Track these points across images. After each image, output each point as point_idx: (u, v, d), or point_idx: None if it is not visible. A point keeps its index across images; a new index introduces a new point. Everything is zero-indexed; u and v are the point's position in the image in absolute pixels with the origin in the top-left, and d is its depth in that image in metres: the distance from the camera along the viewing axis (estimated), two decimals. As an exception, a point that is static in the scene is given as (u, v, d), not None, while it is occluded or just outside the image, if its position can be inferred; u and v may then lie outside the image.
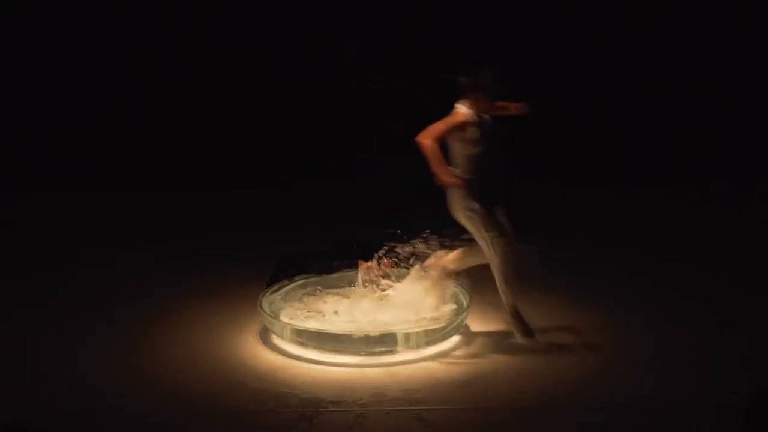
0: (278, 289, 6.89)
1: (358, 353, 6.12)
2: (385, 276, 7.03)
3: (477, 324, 6.69)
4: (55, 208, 9.84)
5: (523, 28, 11.11)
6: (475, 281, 6.72)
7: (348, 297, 6.78)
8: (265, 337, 6.50)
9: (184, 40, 10.99)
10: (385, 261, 7.00)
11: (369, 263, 7.08)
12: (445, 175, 5.92)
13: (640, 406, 5.44)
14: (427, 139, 5.90)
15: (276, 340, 6.40)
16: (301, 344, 6.23)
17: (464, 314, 6.49)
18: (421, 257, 6.65)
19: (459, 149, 6.11)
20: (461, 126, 6.05)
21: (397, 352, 6.15)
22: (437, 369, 6.01)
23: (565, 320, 6.77)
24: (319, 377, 5.89)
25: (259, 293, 6.74)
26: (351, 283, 6.97)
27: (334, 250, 7.29)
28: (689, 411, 5.36)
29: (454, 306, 6.52)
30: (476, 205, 6.10)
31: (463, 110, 6.10)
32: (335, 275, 7.09)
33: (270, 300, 6.70)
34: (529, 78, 11.09)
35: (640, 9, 10.91)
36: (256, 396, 5.61)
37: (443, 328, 6.32)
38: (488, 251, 6.18)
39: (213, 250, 8.51)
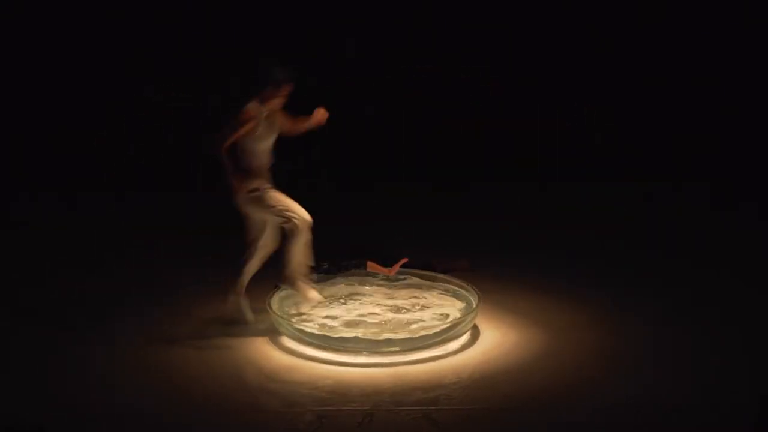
0: (287, 289, 6.89)
1: (364, 353, 6.15)
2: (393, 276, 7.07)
3: (485, 324, 6.70)
4: (59, 208, 9.82)
5: (523, 28, 11.12)
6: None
7: (356, 296, 6.81)
8: (273, 337, 6.51)
9: (184, 40, 10.98)
10: (401, 261, 7.02)
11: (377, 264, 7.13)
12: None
13: (640, 406, 5.45)
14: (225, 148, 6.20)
15: (285, 340, 6.41)
16: (323, 348, 6.25)
17: (473, 314, 6.52)
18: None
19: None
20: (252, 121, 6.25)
21: (404, 351, 6.17)
22: (445, 369, 6.03)
23: (567, 320, 6.78)
24: (328, 377, 5.91)
25: (268, 293, 6.75)
26: (359, 282, 6.99)
27: (341, 250, 7.33)
28: (689, 411, 5.37)
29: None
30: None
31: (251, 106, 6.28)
32: (343, 275, 7.11)
33: (278, 300, 6.71)
34: (529, 77, 11.13)
35: (641, 9, 10.90)
36: (265, 396, 5.64)
37: (453, 328, 6.35)
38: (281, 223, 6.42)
39: (220, 250, 8.48)
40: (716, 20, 10.79)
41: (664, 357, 6.13)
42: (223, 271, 7.84)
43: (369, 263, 7.17)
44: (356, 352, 6.15)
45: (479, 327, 6.63)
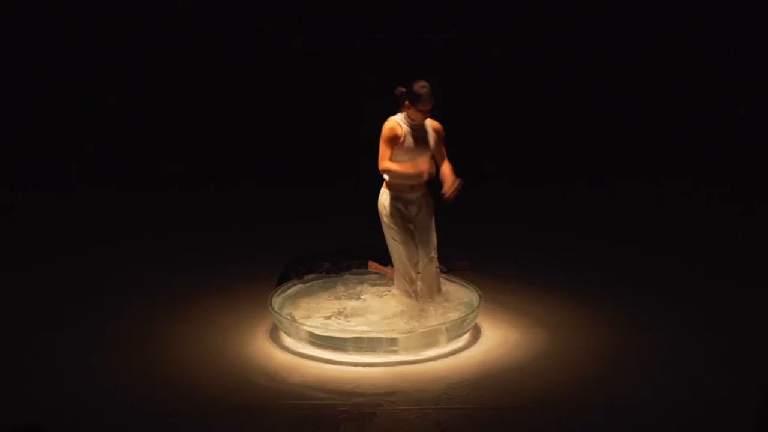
0: (288, 289, 6.92)
1: (367, 353, 6.14)
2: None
3: (486, 323, 6.70)
4: (58, 207, 9.81)
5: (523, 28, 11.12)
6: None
7: (358, 297, 6.82)
8: (275, 336, 6.51)
9: (184, 40, 10.97)
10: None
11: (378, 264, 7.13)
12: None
13: (642, 406, 5.44)
14: (385, 164, 6.11)
15: (286, 340, 6.41)
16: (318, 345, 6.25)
17: (474, 313, 6.51)
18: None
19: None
20: (396, 138, 6.16)
21: (405, 351, 6.17)
22: (446, 368, 6.02)
23: (568, 320, 6.77)
24: (330, 377, 5.91)
25: (269, 292, 6.75)
26: (361, 282, 6.99)
27: (343, 249, 7.33)
28: (690, 411, 5.37)
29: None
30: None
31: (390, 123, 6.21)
32: (345, 275, 7.11)
33: (280, 300, 6.72)
34: (527, 78, 11.13)
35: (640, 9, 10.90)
36: (266, 395, 5.63)
37: (456, 326, 6.34)
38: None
39: (222, 250, 8.48)
40: (715, 20, 10.78)
41: (665, 357, 6.12)
42: (223, 271, 7.86)
43: (370, 263, 7.18)
44: (357, 351, 6.14)
45: (480, 326, 6.63)
